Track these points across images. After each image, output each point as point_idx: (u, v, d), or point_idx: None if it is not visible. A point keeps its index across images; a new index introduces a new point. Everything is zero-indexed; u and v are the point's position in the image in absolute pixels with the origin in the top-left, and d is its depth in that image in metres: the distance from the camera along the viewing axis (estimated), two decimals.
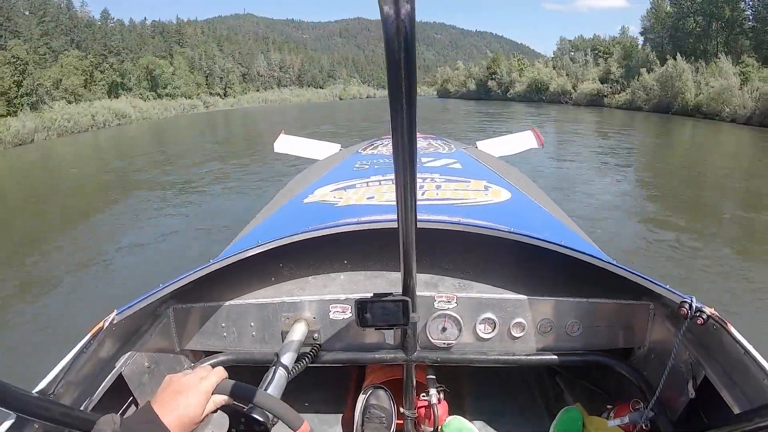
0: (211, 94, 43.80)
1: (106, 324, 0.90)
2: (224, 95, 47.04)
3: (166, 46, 43.63)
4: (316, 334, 1.10)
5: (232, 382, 0.71)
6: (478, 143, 3.12)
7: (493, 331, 1.10)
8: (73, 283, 4.16)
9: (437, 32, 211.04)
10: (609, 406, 1.09)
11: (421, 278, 1.03)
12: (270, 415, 0.72)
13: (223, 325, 1.12)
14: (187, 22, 59.43)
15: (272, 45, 70.65)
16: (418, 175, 0.79)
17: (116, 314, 0.92)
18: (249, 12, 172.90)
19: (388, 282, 1.15)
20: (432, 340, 1.09)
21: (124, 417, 0.62)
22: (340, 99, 60.94)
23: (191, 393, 0.66)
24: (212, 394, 0.69)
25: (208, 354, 1.16)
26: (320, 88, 68.23)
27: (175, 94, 36.47)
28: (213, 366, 0.85)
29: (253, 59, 57.96)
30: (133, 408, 0.97)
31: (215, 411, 0.72)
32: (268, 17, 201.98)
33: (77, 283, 4.17)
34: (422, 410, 1.19)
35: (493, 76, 48.15)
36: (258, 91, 54.10)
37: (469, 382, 1.48)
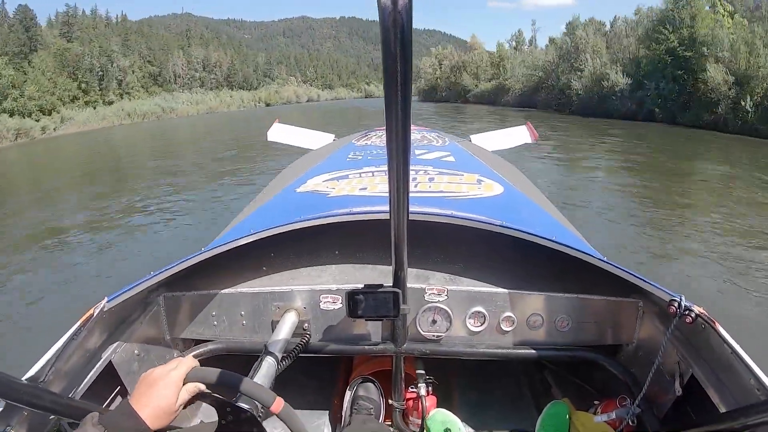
0: (88, 103, 35.08)
1: (96, 311, 0.96)
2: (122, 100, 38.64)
3: (26, 40, 33.70)
4: (306, 324, 1.17)
5: (203, 369, 0.75)
6: (472, 137, 3.19)
7: (482, 324, 1.17)
8: None
9: None
10: (596, 402, 1.16)
11: (412, 270, 1.14)
12: (258, 404, 0.77)
13: (214, 313, 1.18)
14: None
15: (198, 40, 55.17)
16: (412, 167, 0.94)
17: (106, 302, 0.99)
18: (187, 11, 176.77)
19: (379, 273, 1.23)
20: (422, 333, 1.17)
21: (103, 414, 0.65)
22: (267, 105, 53.39)
23: (162, 384, 0.70)
24: (184, 383, 0.73)
25: (198, 343, 1.21)
26: (254, 89, 60.05)
27: (13, 110, 25.60)
28: (199, 355, 0.93)
29: (168, 57, 51.34)
30: (122, 396, 1.02)
31: (197, 400, 0.76)
32: (208, 17, 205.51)
33: None
34: (410, 402, 1.26)
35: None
36: (173, 93, 47.34)
37: (457, 375, 1.53)
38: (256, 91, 56.57)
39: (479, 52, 47.10)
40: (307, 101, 64.22)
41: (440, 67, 50.95)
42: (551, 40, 32.99)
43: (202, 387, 0.74)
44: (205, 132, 22.22)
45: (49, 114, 27.78)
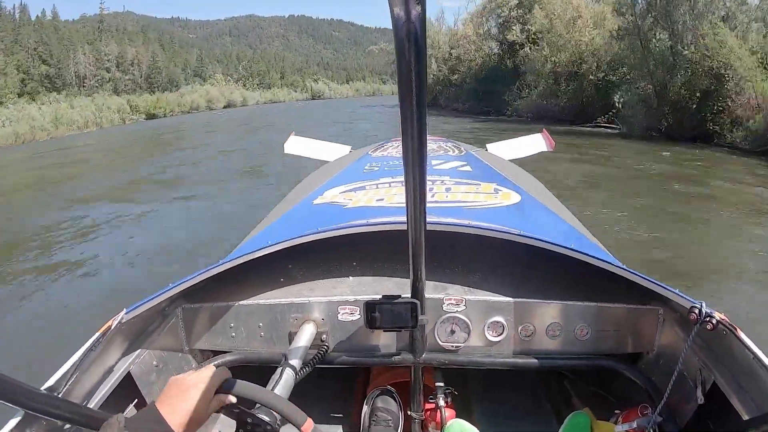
0: None
1: (115, 323, 1.03)
2: None
3: None
4: (324, 336, 1.25)
5: (236, 381, 0.80)
6: (488, 146, 3.26)
7: (501, 334, 1.24)
8: None
9: (335, 29, 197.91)
10: (617, 411, 1.20)
11: (430, 281, 1.21)
12: (277, 416, 0.83)
13: (232, 325, 1.25)
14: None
15: (110, 34, 45.90)
16: (428, 177, 0.95)
17: (125, 313, 1.06)
18: (129, 10, 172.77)
19: (397, 284, 1.31)
20: (440, 343, 1.24)
21: (129, 417, 0.69)
22: (152, 117, 38.90)
23: (194, 392, 0.73)
24: (216, 393, 0.77)
25: (216, 354, 1.29)
26: (177, 89, 52.45)
27: None
28: (219, 366, 0.96)
29: (70, 55, 44.29)
30: (140, 407, 1.10)
31: (220, 411, 0.80)
32: (151, 15, 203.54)
33: None
34: (429, 413, 1.34)
35: None
36: (76, 96, 39.11)
37: (476, 385, 1.63)
38: (161, 96, 45.42)
39: None
40: (226, 107, 53.49)
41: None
42: None
43: (233, 399, 0.79)
44: None
45: None
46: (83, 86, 43.90)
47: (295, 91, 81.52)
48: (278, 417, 0.82)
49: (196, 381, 0.74)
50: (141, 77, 49.58)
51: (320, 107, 43.99)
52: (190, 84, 56.53)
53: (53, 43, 42.40)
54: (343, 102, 57.31)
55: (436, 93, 34.96)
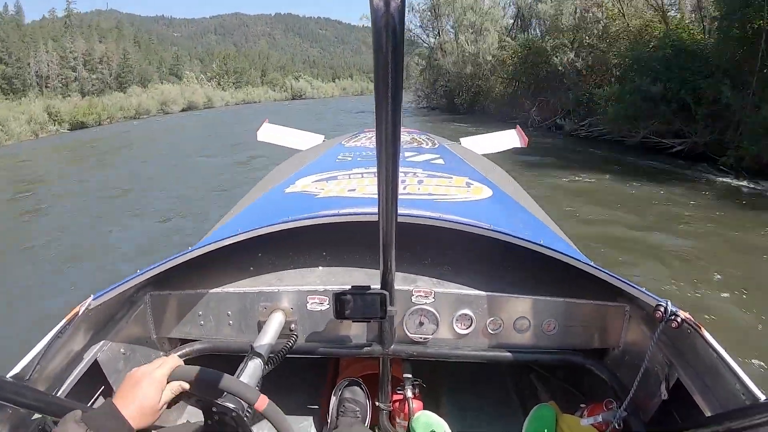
0: None
1: (82, 309, 1.04)
2: None
3: None
4: (293, 325, 1.27)
5: (187, 367, 0.81)
6: (462, 140, 3.27)
7: (469, 327, 1.27)
8: None
9: (322, 28, 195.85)
10: (582, 405, 1.26)
11: (399, 272, 1.24)
12: (244, 404, 0.84)
13: (200, 313, 1.27)
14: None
15: (79, 31, 43.31)
16: (401, 169, 1.04)
17: (92, 299, 1.07)
18: (112, 8, 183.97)
19: (367, 275, 1.33)
20: (409, 335, 1.27)
21: (86, 413, 0.70)
22: (73, 128, 29.38)
23: (146, 383, 0.75)
24: (168, 382, 0.78)
25: (184, 342, 1.30)
26: (143, 87, 47.25)
27: None
28: (188, 354, 1.02)
29: (30, 53, 41.56)
30: (107, 395, 1.12)
31: (181, 399, 0.81)
32: (135, 14, 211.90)
33: None
34: (397, 404, 1.38)
35: None
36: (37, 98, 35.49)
37: (444, 378, 1.66)
38: (57, 101, 33.11)
39: None
40: (186, 110, 46.40)
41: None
42: None
43: (186, 386, 0.81)
44: None
45: None
46: (47, 87, 41.17)
47: (273, 90, 74.18)
48: (246, 406, 0.83)
49: (146, 371, 0.77)
50: (111, 76, 47.28)
51: (291, 112, 35.77)
52: (165, 83, 52.03)
53: (12, 41, 39.62)
54: (324, 104, 48.61)
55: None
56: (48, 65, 42.97)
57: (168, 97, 44.71)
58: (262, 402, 0.78)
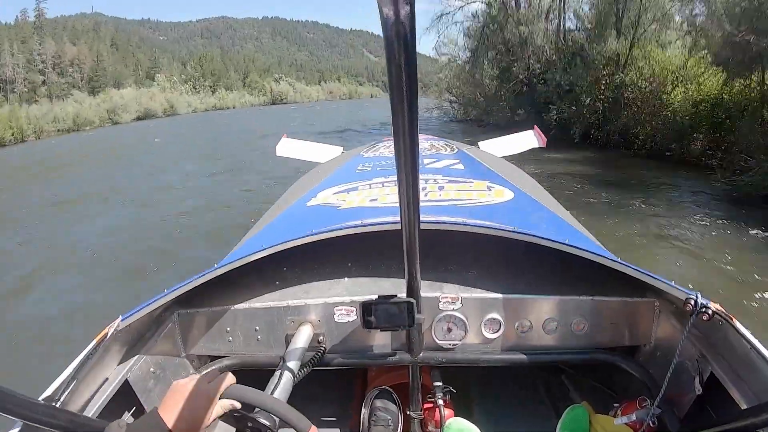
0: None
1: (111, 330, 1.06)
2: None
3: None
4: (321, 337, 1.28)
5: (240, 386, 0.82)
6: (480, 143, 3.29)
7: (498, 331, 1.28)
8: None
9: (309, 31, 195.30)
10: (615, 404, 1.25)
11: (425, 280, 1.26)
12: (276, 419, 0.86)
13: (228, 329, 1.29)
14: None
15: (50, 33, 41.50)
16: (421, 176, 1.05)
17: (121, 320, 1.10)
18: (97, 11, 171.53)
19: (393, 284, 1.35)
20: (437, 341, 1.28)
21: (131, 423, 0.72)
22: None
23: (197, 397, 0.75)
24: (219, 398, 0.78)
25: (214, 359, 1.33)
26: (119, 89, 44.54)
27: None
28: (220, 371, 1.02)
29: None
30: (138, 414, 1.14)
31: (222, 416, 0.82)
32: (120, 17, 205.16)
33: None
34: (428, 412, 1.39)
35: None
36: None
37: (474, 383, 1.67)
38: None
39: None
40: (140, 119, 40.34)
41: None
42: None
43: (238, 405, 0.81)
44: None
45: None
46: (13, 92, 39.01)
47: (251, 95, 67.26)
48: (278, 421, 0.85)
49: (201, 386, 0.76)
50: (82, 80, 45.42)
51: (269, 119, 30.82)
52: (145, 85, 49.06)
53: None
54: (304, 113, 38.78)
55: None
56: (14, 69, 40.92)
57: (118, 104, 38.71)
58: None
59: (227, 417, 0.83)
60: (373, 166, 2.35)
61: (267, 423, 0.83)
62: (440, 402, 1.35)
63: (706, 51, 10.30)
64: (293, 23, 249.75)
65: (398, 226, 0.79)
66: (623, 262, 1.17)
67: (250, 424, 0.82)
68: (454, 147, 2.84)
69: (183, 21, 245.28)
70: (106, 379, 1.07)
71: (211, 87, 61.69)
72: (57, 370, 0.91)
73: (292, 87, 77.21)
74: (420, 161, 0.87)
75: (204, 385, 0.75)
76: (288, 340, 1.25)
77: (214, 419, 0.77)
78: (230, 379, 0.79)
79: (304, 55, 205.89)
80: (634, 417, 1.11)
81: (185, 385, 0.75)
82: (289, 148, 3.79)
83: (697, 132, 9.65)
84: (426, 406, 1.37)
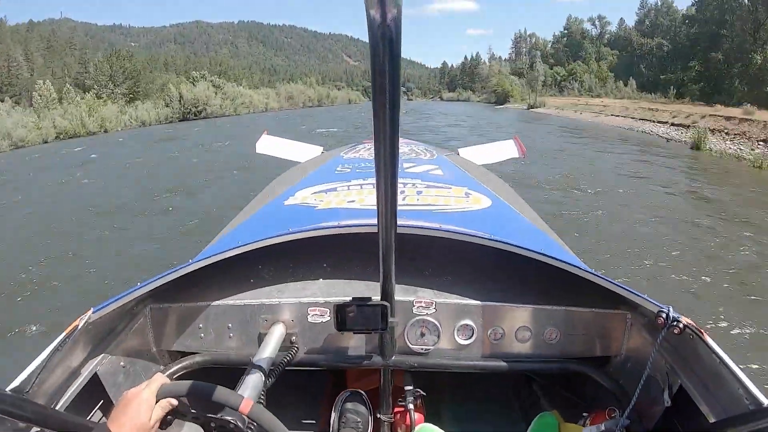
0: None
1: (82, 323, 1.05)
2: None
3: None
4: (294, 337, 1.29)
5: (171, 383, 0.83)
6: (460, 150, 3.29)
7: (471, 337, 1.29)
8: None
9: (287, 36, 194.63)
10: (585, 414, 1.25)
11: (400, 283, 1.25)
12: (245, 419, 0.86)
13: (201, 326, 1.28)
14: None
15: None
16: (400, 180, 1.06)
17: (92, 312, 1.08)
18: (66, 16, 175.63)
19: (368, 286, 1.35)
20: (410, 346, 1.29)
21: None
22: None
23: (135, 403, 0.77)
24: (157, 399, 0.81)
25: (185, 355, 1.31)
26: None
27: None
28: (190, 367, 1.02)
29: None
30: (107, 408, 1.13)
31: (176, 417, 0.83)
32: (91, 22, 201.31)
33: None
34: (398, 416, 1.40)
35: None
36: None
37: (446, 388, 1.68)
38: None
39: None
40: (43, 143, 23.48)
41: None
42: None
43: (175, 402, 0.83)
44: None
45: None
46: None
47: (156, 107, 37.75)
48: (247, 421, 0.85)
49: (135, 392, 0.79)
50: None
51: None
52: (70, 99, 31.54)
53: None
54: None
55: None
56: None
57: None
58: (246, 405, 0.79)
59: (188, 419, 0.83)
60: (352, 167, 2.35)
61: (230, 418, 0.83)
62: (410, 406, 1.35)
63: None
64: (270, 27, 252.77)
65: (375, 229, 0.79)
66: (597, 274, 1.18)
67: (213, 424, 0.82)
68: (434, 152, 2.89)
69: (156, 26, 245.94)
70: (76, 371, 1.06)
71: (125, 95, 40.55)
72: (27, 360, 0.91)
73: (219, 90, 46.55)
74: (399, 165, 0.88)
75: (139, 390, 0.78)
76: (261, 338, 1.25)
77: (157, 421, 0.78)
78: (161, 378, 0.82)
79: (281, 60, 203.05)
80: (603, 427, 1.11)
81: (127, 393, 0.79)
82: (268, 145, 3.81)
83: None
84: (397, 409, 1.37)
